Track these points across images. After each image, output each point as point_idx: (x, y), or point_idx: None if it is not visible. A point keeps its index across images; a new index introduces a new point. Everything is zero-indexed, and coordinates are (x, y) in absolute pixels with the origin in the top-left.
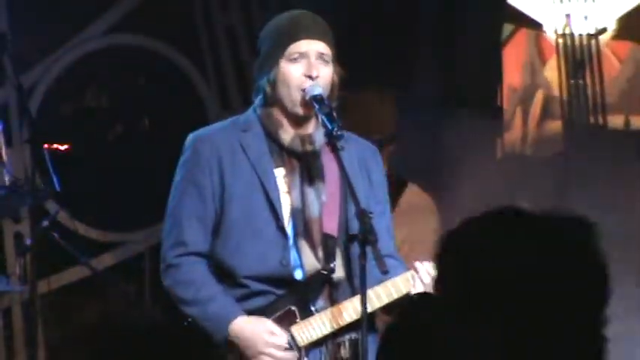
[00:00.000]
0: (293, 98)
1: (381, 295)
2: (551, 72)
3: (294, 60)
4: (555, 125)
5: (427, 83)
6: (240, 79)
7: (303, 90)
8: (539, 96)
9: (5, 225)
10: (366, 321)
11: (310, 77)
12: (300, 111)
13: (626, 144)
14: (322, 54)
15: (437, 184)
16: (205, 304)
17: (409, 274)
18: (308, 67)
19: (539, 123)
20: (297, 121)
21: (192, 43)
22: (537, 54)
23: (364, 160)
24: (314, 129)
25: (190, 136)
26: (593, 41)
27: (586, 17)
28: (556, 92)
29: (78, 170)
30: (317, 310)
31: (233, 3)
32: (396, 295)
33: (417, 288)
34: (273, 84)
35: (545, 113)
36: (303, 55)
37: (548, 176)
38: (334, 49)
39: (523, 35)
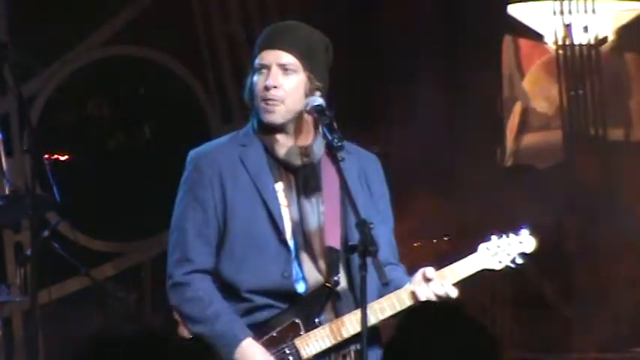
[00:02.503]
0: (258, 108)
1: (385, 308)
2: (530, 84)
3: (258, 71)
4: (533, 137)
5: (429, 95)
6: (241, 88)
7: (264, 100)
8: (517, 108)
9: (6, 235)
10: (368, 332)
11: (266, 88)
12: (264, 119)
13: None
14: (283, 64)
15: (439, 193)
16: (212, 323)
17: (414, 287)
18: (267, 77)
19: (518, 135)
20: (290, 134)
21: (192, 54)
22: (516, 66)
23: (364, 170)
24: (312, 140)
25: (191, 153)
26: (593, 52)
27: (586, 28)
28: (534, 104)
29: (78, 180)
30: (321, 323)
31: (234, 14)
32: (399, 308)
33: (423, 297)
34: (249, 98)
35: (524, 125)
36: (264, 67)
37: (536, 187)
38: (308, 59)
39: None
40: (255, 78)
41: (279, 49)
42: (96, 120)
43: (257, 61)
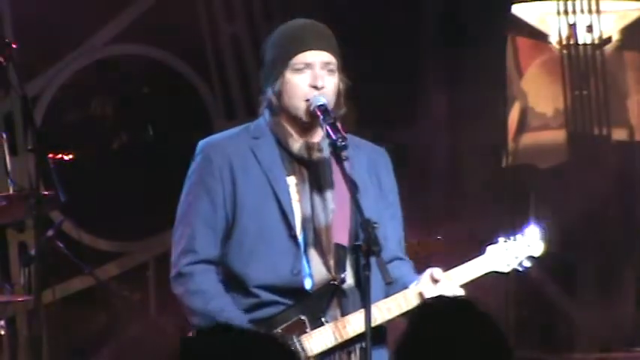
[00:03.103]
0: (298, 107)
1: (391, 308)
2: (529, 83)
3: (299, 70)
4: (531, 137)
5: (433, 94)
6: (245, 88)
7: (308, 100)
8: (515, 108)
9: (10, 235)
10: (374, 332)
11: (316, 87)
12: (305, 118)
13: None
14: (327, 64)
15: (444, 192)
16: (214, 317)
17: (421, 287)
18: (313, 77)
19: (516, 135)
20: (305, 130)
21: (196, 53)
22: (514, 66)
23: (374, 164)
24: (321, 137)
25: (201, 143)
26: (597, 51)
27: (590, 27)
28: (532, 104)
29: (82, 180)
30: (327, 321)
31: (238, 13)
32: (406, 308)
33: (429, 295)
34: (279, 94)
35: (522, 125)
36: (308, 66)
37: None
38: (339, 58)
39: None
40: (297, 77)
41: (323, 49)
42: (100, 119)
43: (296, 60)
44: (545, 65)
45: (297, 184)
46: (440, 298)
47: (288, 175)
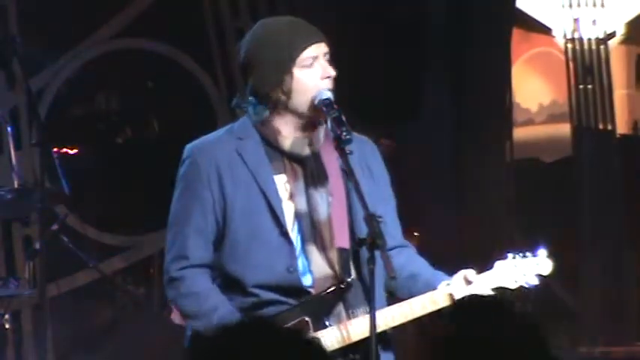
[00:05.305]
0: (305, 103)
1: (395, 316)
2: (514, 79)
3: (308, 66)
4: (519, 132)
5: (438, 88)
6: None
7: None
8: None
9: (15, 228)
10: (378, 337)
11: (329, 77)
12: (308, 114)
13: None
14: (327, 53)
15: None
16: (210, 317)
17: (452, 288)
18: (324, 68)
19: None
20: (302, 126)
21: (201, 47)
22: None
23: (364, 155)
24: (313, 130)
25: (187, 148)
26: (602, 46)
27: (595, 22)
28: (518, 99)
29: (87, 174)
30: (330, 324)
31: (242, 7)
32: (431, 309)
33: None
34: (289, 93)
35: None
36: (315, 59)
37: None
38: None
39: None
40: (307, 72)
41: (321, 40)
42: (104, 114)
43: (304, 56)
44: (531, 61)
45: (287, 182)
46: (478, 298)
47: (277, 174)
